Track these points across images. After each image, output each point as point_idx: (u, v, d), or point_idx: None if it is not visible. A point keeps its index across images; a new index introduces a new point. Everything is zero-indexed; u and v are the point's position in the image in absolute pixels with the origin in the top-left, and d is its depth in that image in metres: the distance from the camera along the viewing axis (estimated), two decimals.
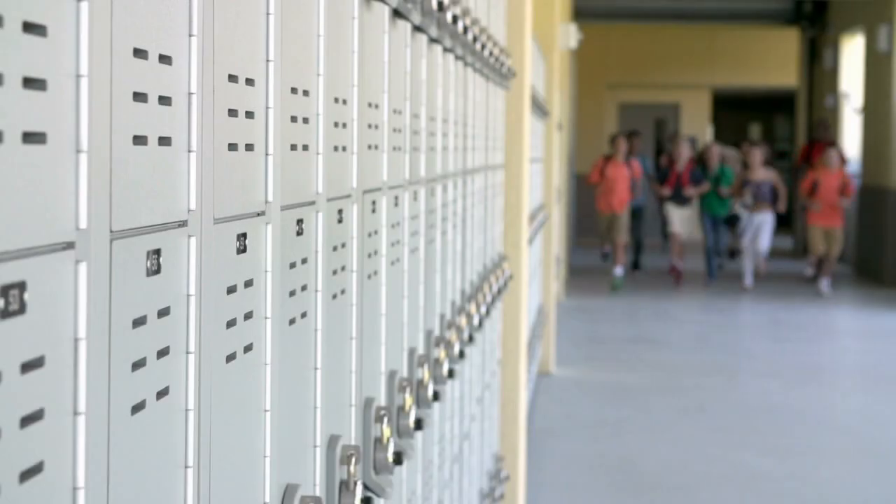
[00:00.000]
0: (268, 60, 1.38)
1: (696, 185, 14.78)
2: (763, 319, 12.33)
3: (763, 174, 14.65)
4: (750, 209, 14.70)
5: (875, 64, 16.46)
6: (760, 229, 14.71)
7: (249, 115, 1.32)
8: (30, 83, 0.83)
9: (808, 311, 12.65)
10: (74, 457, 0.90)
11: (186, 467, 1.14)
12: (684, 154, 14.80)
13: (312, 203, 1.61)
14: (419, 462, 2.60)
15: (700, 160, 15.30)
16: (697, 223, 15.74)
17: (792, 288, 14.99)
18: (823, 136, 16.95)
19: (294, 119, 1.51)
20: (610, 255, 15.69)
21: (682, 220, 14.95)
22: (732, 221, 15.27)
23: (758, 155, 14.58)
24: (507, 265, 4.67)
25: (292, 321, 1.51)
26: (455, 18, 2.82)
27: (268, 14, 1.38)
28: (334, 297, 1.75)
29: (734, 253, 16.22)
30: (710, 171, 14.87)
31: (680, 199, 14.84)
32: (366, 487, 1.93)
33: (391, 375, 2.22)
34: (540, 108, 8.09)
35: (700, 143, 23.05)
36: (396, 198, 2.26)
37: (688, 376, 9.22)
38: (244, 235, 1.31)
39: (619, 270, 14.64)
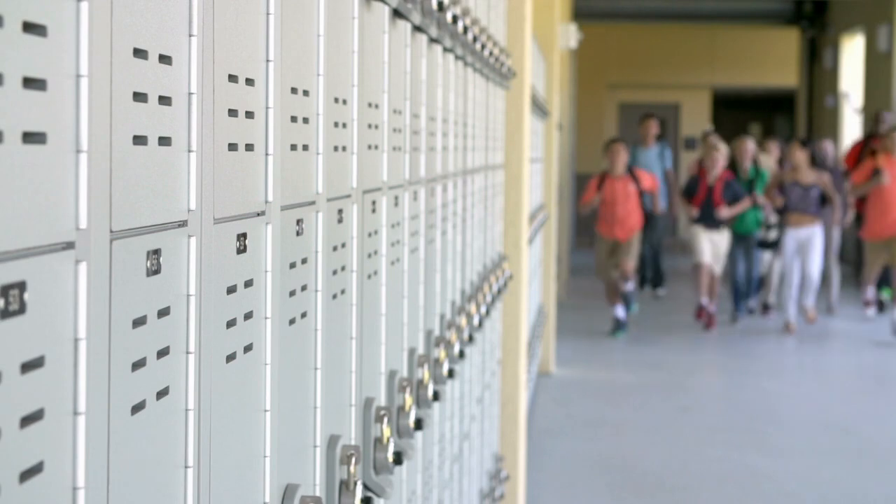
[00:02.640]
0: (268, 60, 1.38)
1: (732, 204, 10.99)
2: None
3: (811, 177, 10.93)
4: (786, 223, 11.06)
5: (875, 64, 16.47)
6: (808, 249, 10.93)
7: (249, 115, 1.32)
8: (30, 83, 0.83)
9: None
10: (74, 457, 0.90)
11: (186, 467, 1.14)
12: (720, 163, 10.98)
13: (312, 203, 1.61)
14: (419, 462, 2.60)
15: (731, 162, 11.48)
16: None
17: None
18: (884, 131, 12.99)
19: (294, 119, 1.51)
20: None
21: (714, 247, 11.07)
22: (768, 246, 11.60)
23: (803, 155, 10.96)
24: (507, 265, 4.67)
25: (292, 321, 1.51)
26: (455, 18, 2.82)
27: (268, 14, 1.38)
28: (334, 297, 1.75)
29: (767, 308, 12.07)
30: (742, 174, 11.34)
31: (711, 222, 10.98)
32: (366, 487, 1.93)
33: (391, 375, 2.22)
34: (540, 108, 8.09)
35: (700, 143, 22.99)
36: (396, 198, 2.26)
37: (688, 376, 9.21)
38: (244, 235, 1.31)
39: (619, 311, 10.88)
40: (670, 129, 22.86)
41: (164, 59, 1.07)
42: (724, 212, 10.92)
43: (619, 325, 10.86)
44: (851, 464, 6.77)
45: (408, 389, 2.25)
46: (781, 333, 11.08)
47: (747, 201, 11.02)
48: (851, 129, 18.02)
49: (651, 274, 13.64)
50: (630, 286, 11.22)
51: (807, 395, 8.70)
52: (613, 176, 10.85)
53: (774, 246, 11.55)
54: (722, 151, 11.06)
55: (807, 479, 6.43)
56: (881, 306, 12.29)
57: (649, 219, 12.25)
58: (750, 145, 11.49)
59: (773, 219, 11.40)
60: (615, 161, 10.81)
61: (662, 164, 12.96)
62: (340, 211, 1.78)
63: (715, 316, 11.17)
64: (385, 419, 2.01)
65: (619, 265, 10.82)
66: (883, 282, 12.15)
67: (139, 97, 1.02)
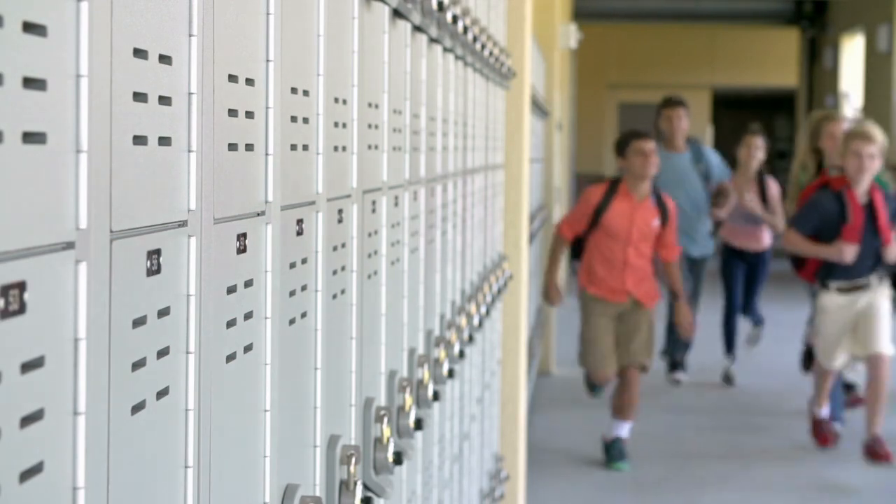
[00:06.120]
0: (268, 60, 1.38)
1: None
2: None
3: None
4: None
5: (875, 64, 16.47)
6: None
7: (249, 115, 1.32)
8: (30, 83, 0.83)
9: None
10: (74, 457, 0.90)
11: (186, 467, 1.14)
12: (874, 165, 6.02)
13: (312, 203, 1.61)
14: (419, 462, 2.60)
15: (817, 153, 6.93)
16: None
17: None
18: None
19: (294, 119, 1.51)
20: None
21: (863, 324, 6.10)
22: None
23: None
24: (507, 265, 4.67)
25: (292, 321, 1.51)
26: (455, 18, 2.82)
27: (268, 14, 1.38)
28: (334, 297, 1.75)
29: (851, 391, 7.58)
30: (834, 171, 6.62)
31: (858, 274, 6.11)
32: (366, 487, 1.93)
33: (391, 375, 2.22)
34: (540, 108, 8.09)
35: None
36: (396, 198, 2.26)
37: (688, 374, 9.20)
38: (244, 235, 1.31)
39: (622, 430, 6.50)
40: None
41: (164, 59, 1.07)
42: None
43: (616, 451, 6.51)
44: None
45: (408, 389, 2.25)
46: None
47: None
48: None
49: (668, 348, 8.58)
50: (624, 430, 6.55)
51: None
52: (634, 195, 6.30)
53: None
54: (879, 143, 6.04)
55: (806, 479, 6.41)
56: None
57: (697, 264, 8.21)
58: (846, 126, 6.82)
59: None
60: (645, 166, 6.23)
61: (704, 179, 8.03)
62: (340, 211, 1.78)
63: (831, 432, 6.69)
64: (385, 419, 2.01)
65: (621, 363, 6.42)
66: None
67: (139, 97, 1.02)
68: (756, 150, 8.55)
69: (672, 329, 8.15)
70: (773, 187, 8.50)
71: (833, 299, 6.07)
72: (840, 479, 6.35)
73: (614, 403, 6.52)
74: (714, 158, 8.08)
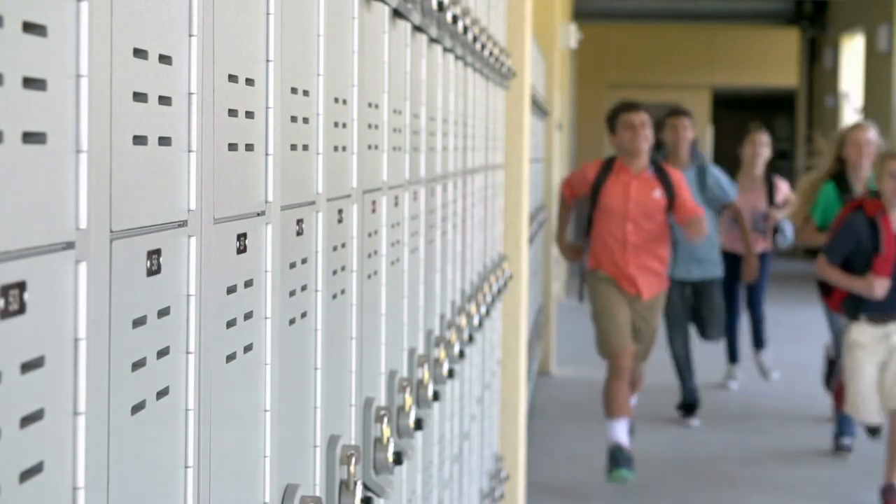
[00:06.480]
0: (268, 60, 1.38)
1: None
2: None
3: None
4: None
5: (875, 64, 16.47)
6: None
7: (249, 115, 1.32)
8: (30, 83, 0.83)
9: (811, 310, 12.62)
10: (74, 457, 0.90)
11: (186, 467, 1.14)
12: None
13: (312, 203, 1.61)
14: (419, 462, 2.60)
15: (839, 165, 6.45)
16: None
17: None
18: None
19: (294, 119, 1.51)
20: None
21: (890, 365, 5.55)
22: None
23: None
24: (507, 265, 4.67)
25: (292, 321, 1.51)
26: (455, 18, 2.82)
27: (268, 14, 1.38)
28: (334, 297, 1.75)
29: (875, 432, 6.61)
30: (855, 184, 6.35)
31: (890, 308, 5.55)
32: (366, 487, 1.93)
33: (391, 375, 2.22)
34: (540, 108, 8.08)
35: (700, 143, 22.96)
36: (396, 198, 2.26)
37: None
38: (244, 235, 1.31)
39: (619, 432, 6.05)
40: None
41: (164, 59, 1.07)
42: None
43: (619, 457, 5.93)
44: None
45: (408, 389, 2.25)
46: None
47: None
48: None
49: (682, 387, 7.72)
50: (622, 432, 6.06)
51: None
52: (631, 168, 5.94)
53: None
54: None
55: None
56: None
57: (704, 288, 7.37)
58: (871, 135, 6.35)
59: None
60: (634, 139, 5.89)
61: (706, 194, 7.19)
62: (340, 211, 1.78)
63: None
64: (385, 419, 2.01)
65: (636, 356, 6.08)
66: None
67: (139, 97, 1.02)
68: (762, 146, 8.15)
69: (681, 359, 7.66)
70: (784, 187, 8.10)
71: (865, 331, 5.56)
72: (846, 488, 6.36)
73: (608, 404, 6.16)
74: (722, 180, 7.31)
